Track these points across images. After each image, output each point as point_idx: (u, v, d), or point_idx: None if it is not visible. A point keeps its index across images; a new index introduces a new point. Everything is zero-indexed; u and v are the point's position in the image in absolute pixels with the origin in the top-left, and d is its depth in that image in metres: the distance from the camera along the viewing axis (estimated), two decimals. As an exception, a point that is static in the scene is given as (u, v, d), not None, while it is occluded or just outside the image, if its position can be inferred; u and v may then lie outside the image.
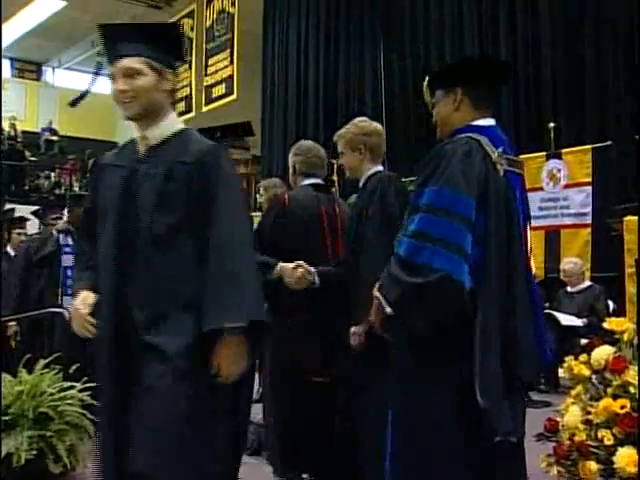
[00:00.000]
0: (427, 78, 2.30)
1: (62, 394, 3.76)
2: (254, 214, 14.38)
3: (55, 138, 17.97)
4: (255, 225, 5.35)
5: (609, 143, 6.67)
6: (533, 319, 2.08)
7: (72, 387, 3.85)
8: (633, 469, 2.57)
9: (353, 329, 2.86)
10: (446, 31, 9.09)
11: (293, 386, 3.12)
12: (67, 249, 5.23)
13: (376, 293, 2.06)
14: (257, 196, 16.05)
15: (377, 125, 3.16)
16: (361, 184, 3.08)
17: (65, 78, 20.34)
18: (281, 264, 3.03)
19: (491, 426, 1.93)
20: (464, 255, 1.93)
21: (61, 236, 5.27)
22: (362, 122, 3.14)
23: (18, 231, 5.96)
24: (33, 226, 6.55)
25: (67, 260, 5.21)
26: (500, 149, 2.10)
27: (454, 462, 1.99)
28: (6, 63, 19.35)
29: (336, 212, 3.33)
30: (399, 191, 2.91)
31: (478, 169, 2.01)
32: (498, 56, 8.27)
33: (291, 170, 3.52)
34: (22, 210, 6.78)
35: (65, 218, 5.49)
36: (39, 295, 5.30)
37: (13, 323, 5.29)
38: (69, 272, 5.18)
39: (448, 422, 1.99)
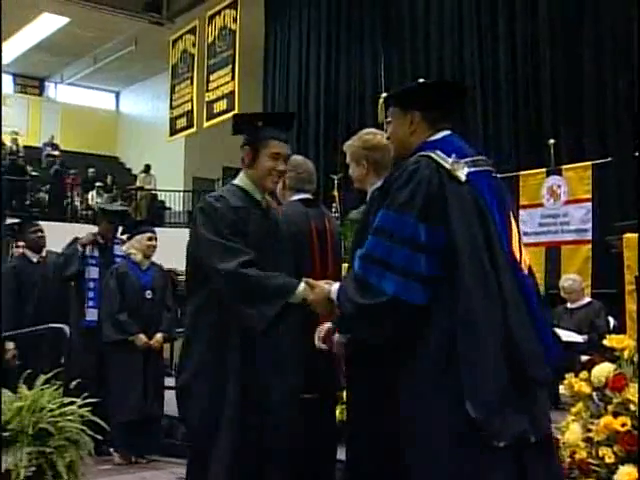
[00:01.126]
0: (383, 96, 2.32)
1: (62, 410, 3.75)
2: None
3: (57, 153, 18.03)
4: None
5: (609, 159, 6.69)
6: (529, 315, 2.04)
7: (72, 403, 3.84)
8: (634, 487, 2.57)
9: (337, 337, 2.87)
10: (445, 37, 9.14)
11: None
12: (92, 261, 5.20)
13: (334, 295, 2.15)
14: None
15: (382, 139, 3.04)
16: (368, 197, 3.09)
17: (67, 93, 20.46)
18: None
19: (490, 434, 1.90)
20: (409, 274, 1.96)
21: (87, 248, 5.23)
22: (366, 135, 3.10)
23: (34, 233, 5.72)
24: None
25: (92, 272, 5.18)
26: (453, 156, 2.09)
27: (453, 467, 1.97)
28: (9, 78, 19.46)
29: (326, 227, 3.36)
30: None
31: (426, 183, 2.02)
32: (497, 64, 8.31)
33: (280, 185, 3.53)
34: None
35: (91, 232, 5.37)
36: (34, 315, 5.23)
37: (11, 345, 5.17)
38: (92, 284, 5.15)
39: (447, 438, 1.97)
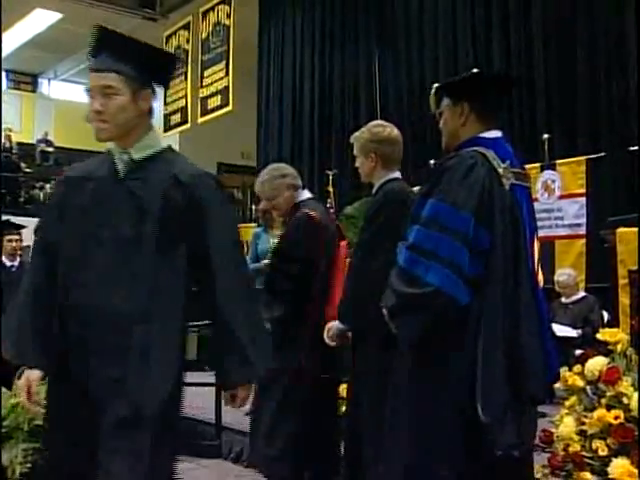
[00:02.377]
0: (435, 87, 2.28)
1: (57, 406, 3.75)
2: (251, 224, 14.35)
3: (51, 149, 17.96)
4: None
5: (603, 154, 6.71)
6: (540, 334, 2.08)
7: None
8: (627, 480, 2.58)
9: (329, 324, 2.93)
10: (439, 37, 9.13)
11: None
12: None
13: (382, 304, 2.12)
14: (253, 207, 15.96)
15: (392, 131, 3.06)
16: (373, 191, 3.06)
17: (61, 90, 20.36)
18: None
19: (492, 439, 1.94)
20: (457, 271, 1.94)
21: None
22: (375, 127, 3.07)
23: (9, 237, 5.77)
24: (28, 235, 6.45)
25: None
26: (507, 162, 2.10)
27: (453, 468, 1.99)
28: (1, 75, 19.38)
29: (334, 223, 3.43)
30: (404, 204, 2.87)
31: (481, 183, 2.02)
32: (491, 64, 8.32)
33: (287, 193, 3.50)
34: (17, 222, 6.72)
35: None
36: None
37: None
38: None
39: (449, 426, 2.00)
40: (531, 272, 2.12)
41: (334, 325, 2.96)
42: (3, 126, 16.53)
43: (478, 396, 1.93)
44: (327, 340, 2.98)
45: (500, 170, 2.07)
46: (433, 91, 2.28)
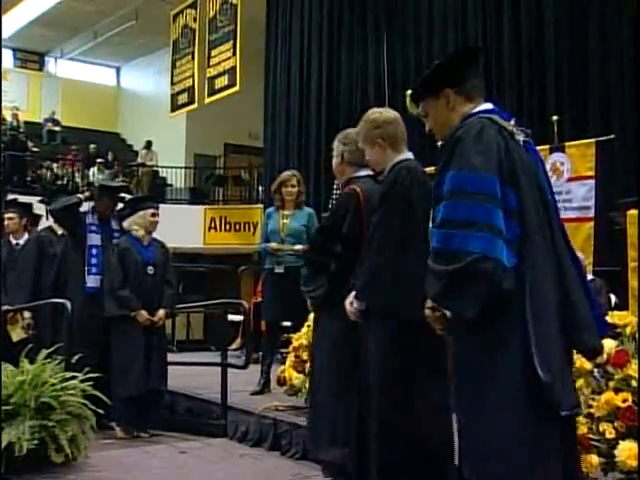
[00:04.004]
0: (409, 92, 2.28)
1: (64, 384, 3.77)
2: (258, 205, 14.32)
3: (57, 129, 17.95)
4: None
5: (612, 136, 6.64)
6: (584, 287, 2.06)
7: (74, 377, 3.87)
8: (634, 462, 2.57)
9: (349, 301, 2.92)
10: (449, 21, 9.03)
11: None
12: (93, 227, 5.21)
13: (428, 304, 2.08)
14: (259, 187, 15.99)
15: (389, 113, 3.08)
16: (385, 173, 3.04)
17: (68, 69, 20.30)
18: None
19: (555, 401, 1.91)
20: (497, 232, 1.88)
21: (88, 216, 5.24)
22: (373, 114, 3.07)
23: (9, 216, 5.76)
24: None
25: (93, 239, 5.18)
26: (512, 121, 2.09)
27: (526, 444, 1.92)
28: (8, 53, 19.31)
29: None
30: (418, 180, 2.88)
31: (495, 142, 1.98)
32: (501, 48, 8.23)
33: (338, 159, 3.47)
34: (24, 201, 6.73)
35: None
36: (52, 286, 5.29)
37: (28, 315, 5.28)
38: (94, 251, 5.16)
39: (514, 402, 1.93)
40: (561, 225, 2.09)
41: (353, 300, 2.95)
42: (10, 105, 16.54)
43: (536, 358, 1.89)
44: (349, 313, 2.98)
45: (509, 128, 2.05)
46: (408, 98, 2.29)
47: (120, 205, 5.42)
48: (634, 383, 2.67)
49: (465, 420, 2.04)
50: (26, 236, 5.80)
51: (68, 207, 5.15)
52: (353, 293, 2.96)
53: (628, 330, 2.84)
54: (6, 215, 5.79)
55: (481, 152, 1.94)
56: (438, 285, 1.94)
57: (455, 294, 1.93)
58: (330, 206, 7.20)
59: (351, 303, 2.96)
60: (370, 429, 2.82)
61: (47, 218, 5.83)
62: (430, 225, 2.05)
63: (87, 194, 5.44)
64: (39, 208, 6.07)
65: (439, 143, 2.23)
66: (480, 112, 2.12)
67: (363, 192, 3.24)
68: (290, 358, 4.51)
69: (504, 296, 1.91)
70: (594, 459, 2.62)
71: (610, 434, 2.63)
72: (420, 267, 2.17)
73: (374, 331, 2.85)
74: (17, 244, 5.73)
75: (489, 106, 2.17)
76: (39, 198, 6.17)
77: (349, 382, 3.10)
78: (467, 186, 1.92)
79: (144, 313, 4.86)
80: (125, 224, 5.17)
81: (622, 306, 3.71)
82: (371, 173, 3.41)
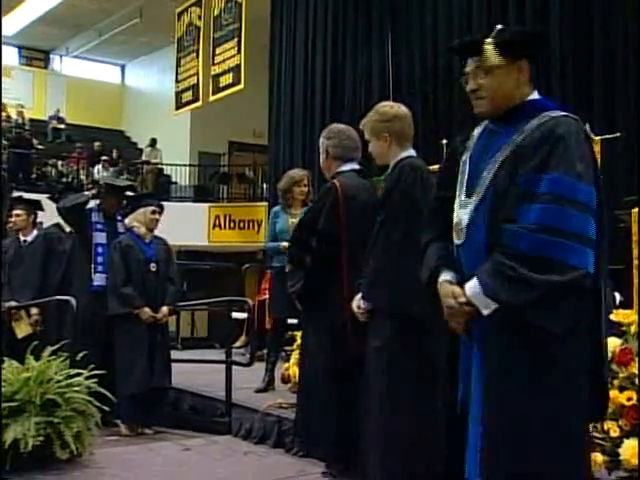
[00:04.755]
0: (494, 38, 2.00)
1: (69, 381, 3.78)
2: (262, 203, 14.31)
3: (62, 126, 17.98)
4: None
5: (617, 135, 6.62)
6: None
7: (79, 374, 3.88)
8: (638, 461, 2.57)
9: (355, 303, 2.92)
10: (454, 18, 9.00)
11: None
12: (98, 226, 5.22)
13: (467, 297, 1.91)
14: (264, 185, 15.94)
15: (400, 109, 3.05)
16: (389, 171, 3.03)
17: (73, 66, 20.34)
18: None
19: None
20: (592, 245, 1.82)
21: (94, 214, 5.25)
22: (383, 107, 3.05)
23: (17, 212, 5.74)
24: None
25: (99, 237, 5.20)
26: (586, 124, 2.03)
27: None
28: (14, 51, 19.36)
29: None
30: (422, 178, 2.88)
31: (590, 149, 1.92)
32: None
33: (323, 156, 3.47)
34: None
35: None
36: (59, 284, 5.31)
37: (35, 311, 5.31)
38: (100, 249, 5.17)
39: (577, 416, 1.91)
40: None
41: (359, 300, 2.95)
42: (15, 102, 16.58)
43: (604, 366, 1.95)
44: (358, 315, 2.97)
45: (586, 129, 1.99)
46: (492, 43, 1.97)
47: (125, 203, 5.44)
48: (637, 382, 2.67)
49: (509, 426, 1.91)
50: (34, 233, 5.81)
51: (75, 206, 5.16)
52: (360, 294, 2.95)
53: (633, 328, 2.84)
54: (14, 212, 5.80)
55: (582, 158, 1.86)
56: (529, 294, 1.79)
57: (550, 307, 1.80)
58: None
59: (358, 304, 2.95)
60: (368, 429, 2.82)
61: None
62: (508, 225, 1.86)
63: (94, 191, 5.45)
64: (47, 204, 6.08)
65: (479, 111, 2.03)
66: (544, 102, 2.01)
67: (342, 187, 3.24)
68: (294, 356, 4.52)
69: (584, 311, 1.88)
70: (598, 457, 2.61)
71: (614, 432, 2.63)
72: None
73: (380, 331, 2.84)
74: (25, 241, 5.74)
75: (539, 95, 2.05)
76: (47, 195, 6.17)
77: (337, 381, 3.12)
78: (571, 194, 1.81)
79: (147, 310, 4.87)
80: (126, 221, 5.18)
81: (627, 304, 3.70)
82: (356, 167, 3.41)
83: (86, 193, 5.45)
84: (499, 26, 2.05)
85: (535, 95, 2.02)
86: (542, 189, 1.82)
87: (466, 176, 2.03)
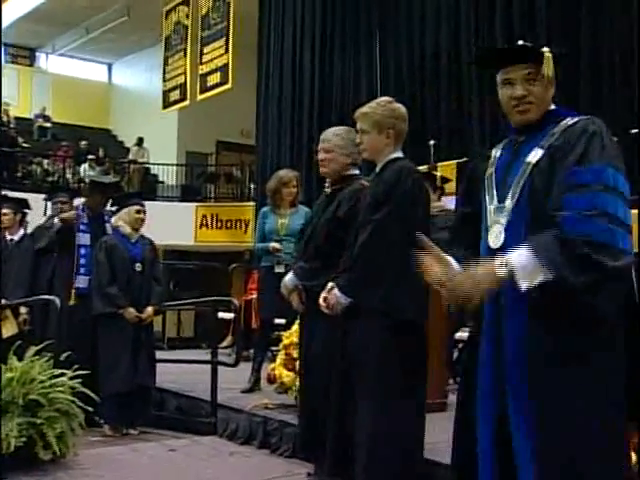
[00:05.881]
0: (550, 49, 2.03)
1: (52, 381, 3.75)
2: (249, 203, 14.27)
3: (48, 125, 17.86)
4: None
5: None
6: None
7: (63, 374, 3.85)
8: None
9: (332, 292, 2.90)
10: (442, 21, 9.02)
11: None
12: (82, 227, 5.17)
13: (507, 266, 1.82)
14: (251, 185, 15.91)
15: (403, 108, 3.00)
16: (378, 169, 2.98)
17: (59, 64, 20.21)
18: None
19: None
20: (631, 233, 1.88)
21: (79, 212, 5.20)
22: (391, 104, 2.96)
23: (4, 212, 5.69)
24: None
25: (82, 239, 5.15)
26: None
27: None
28: (-1, 48, 19.19)
29: None
30: (418, 181, 2.89)
31: (616, 142, 1.99)
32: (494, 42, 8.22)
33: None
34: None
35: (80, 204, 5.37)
36: (48, 283, 5.26)
37: (24, 310, 5.27)
38: (83, 251, 5.13)
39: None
40: None
41: (338, 296, 2.91)
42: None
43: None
44: (323, 308, 2.95)
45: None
46: (549, 55, 2.01)
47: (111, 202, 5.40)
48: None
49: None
50: (21, 232, 5.77)
51: (50, 242, 5.13)
52: (335, 289, 2.91)
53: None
54: (1, 211, 5.74)
55: (617, 154, 1.94)
56: (591, 275, 1.79)
57: (609, 288, 1.83)
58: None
59: (334, 298, 2.90)
60: (357, 430, 2.80)
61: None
62: (562, 212, 1.86)
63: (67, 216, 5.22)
64: (35, 202, 6.03)
65: (526, 118, 2.04)
66: (560, 109, 2.08)
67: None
68: (280, 356, 4.50)
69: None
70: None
71: None
72: None
73: (368, 331, 2.83)
74: (12, 240, 5.70)
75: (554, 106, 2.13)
76: (41, 195, 6.10)
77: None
78: (614, 183, 1.87)
79: (132, 310, 4.85)
80: (112, 221, 5.15)
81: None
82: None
83: (55, 221, 5.22)
84: (520, 42, 2.12)
85: (553, 106, 2.09)
86: (587, 179, 1.86)
87: (494, 185, 2.06)
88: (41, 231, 5.26)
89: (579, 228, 1.81)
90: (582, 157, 1.89)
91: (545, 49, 2.02)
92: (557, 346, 1.86)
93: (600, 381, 1.86)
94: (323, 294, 2.96)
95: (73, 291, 5.03)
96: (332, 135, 3.41)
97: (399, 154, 2.99)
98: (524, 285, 1.80)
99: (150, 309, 4.95)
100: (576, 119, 2.00)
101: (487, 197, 2.07)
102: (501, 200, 2.01)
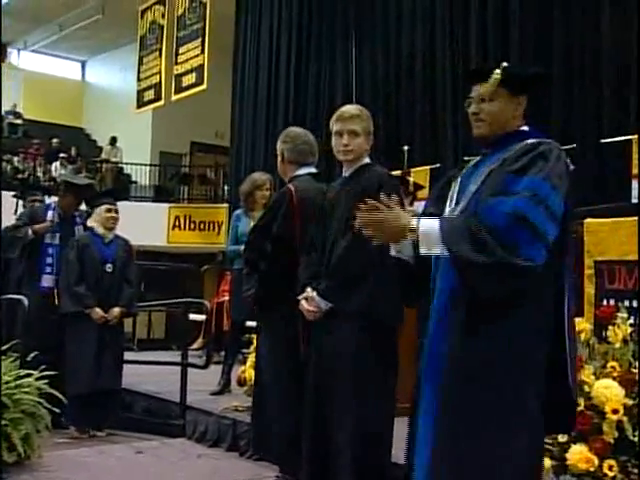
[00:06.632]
0: (501, 71, 2.13)
1: (18, 382, 3.71)
2: (222, 205, 14.21)
3: (19, 122, 17.61)
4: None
5: (573, 146, 6.77)
6: None
7: (29, 375, 3.80)
8: (585, 466, 2.63)
9: (311, 295, 2.90)
10: (418, 26, 9.08)
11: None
12: (54, 227, 5.10)
13: (416, 230, 1.96)
14: (225, 187, 15.84)
15: None
16: (348, 173, 3.01)
17: (31, 60, 19.93)
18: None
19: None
20: (548, 245, 1.92)
21: (49, 212, 5.14)
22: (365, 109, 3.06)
23: None
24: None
25: (49, 237, 5.08)
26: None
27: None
28: (-30, 43, 18.87)
29: None
30: (395, 189, 2.84)
31: (566, 169, 2.05)
32: (468, 57, 8.31)
33: (279, 159, 3.45)
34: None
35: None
36: (18, 282, 5.18)
37: None
38: (50, 250, 5.06)
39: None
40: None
41: (317, 299, 2.91)
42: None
43: (569, 367, 2.05)
44: (306, 313, 2.94)
45: (567, 161, 2.10)
46: (497, 76, 2.12)
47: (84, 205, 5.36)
48: (587, 388, 2.73)
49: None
50: None
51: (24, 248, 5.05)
52: (313, 293, 2.92)
53: (582, 336, 2.90)
54: None
55: (560, 175, 2.00)
56: (483, 257, 1.89)
57: (492, 278, 1.92)
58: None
59: (314, 304, 2.91)
60: (335, 433, 2.80)
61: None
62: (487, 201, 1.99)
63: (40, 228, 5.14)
64: (5, 199, 5.94)
65: (478, 132, 2.18)
66: (528, 132, 2.16)
67: (297, 191, 3.23)
68: (251, 359, 4.50)
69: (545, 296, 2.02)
70: (546, 462, 2.66)
71: (562, 438, 2.68)
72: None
73: (344, 334, 2.83)
74: None
75: (528, 127, 2.21)
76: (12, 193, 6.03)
77: (290, 384, 3.13)
78: (544, 197, 1.94)
79: (98, 310, 4.81)
80: (88, 222, 5.12)
81: (578, 313, 3.79)
82: (313, 171, 3.40)
83: (29, 232, 5.10)
84: (505, 64, 2.20)
85: (525, 127, 2.20)
86: (520, 187, 1.95)
87: (456, 190, 2.18)
88: (12, 239, 5.11)
89: (490, 220, 1.92)
90: (521, 169, 2.00)
91: (497, 70, 2.14)
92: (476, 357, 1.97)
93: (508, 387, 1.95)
94: (301, 297, 2.97)
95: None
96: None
97: (368, 160, 3.05)
98: (422, 250, 1.97)
99: (117, 310, 4.91)
100: (538, 140, 2.08)
101: (448, 201, 2.19)
102: (457, 203, 2.14)
